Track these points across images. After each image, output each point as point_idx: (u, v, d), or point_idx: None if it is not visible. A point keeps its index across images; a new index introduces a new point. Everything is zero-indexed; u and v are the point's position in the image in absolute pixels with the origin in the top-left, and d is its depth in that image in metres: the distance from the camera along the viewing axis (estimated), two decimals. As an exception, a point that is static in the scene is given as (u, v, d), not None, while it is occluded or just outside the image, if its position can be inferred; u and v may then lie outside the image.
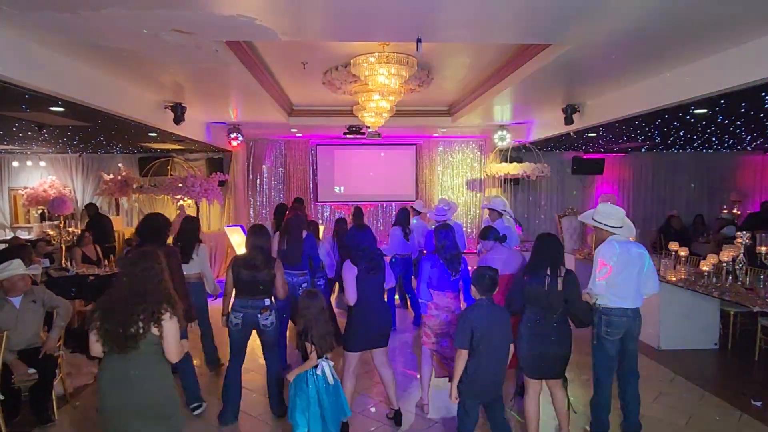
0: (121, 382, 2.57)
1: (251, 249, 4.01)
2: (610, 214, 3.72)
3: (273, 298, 4.09)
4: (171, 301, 2.68)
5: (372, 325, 3.76)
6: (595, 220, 3.77)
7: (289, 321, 5.37)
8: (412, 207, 7.29)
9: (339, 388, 3.21)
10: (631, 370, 3.78)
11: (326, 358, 3.17)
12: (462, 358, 3.15)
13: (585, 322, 3.56)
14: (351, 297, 3.69)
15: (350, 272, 3.69)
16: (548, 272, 3.43)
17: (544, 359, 3.45)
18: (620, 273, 3.60)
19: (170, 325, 2.63)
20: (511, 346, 3.30)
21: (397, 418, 4.01)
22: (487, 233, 4.54)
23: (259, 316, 3.94)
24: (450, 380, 3.38)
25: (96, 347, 2.60)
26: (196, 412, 4.14)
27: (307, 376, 3.12)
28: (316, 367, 3.13)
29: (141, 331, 2.54)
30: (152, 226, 4.06)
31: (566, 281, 3.41)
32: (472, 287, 3.29)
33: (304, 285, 5.12)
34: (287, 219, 5.59)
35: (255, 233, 4.07)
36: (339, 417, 3.19)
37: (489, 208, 5.63)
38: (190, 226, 4.99)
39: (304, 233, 5.30)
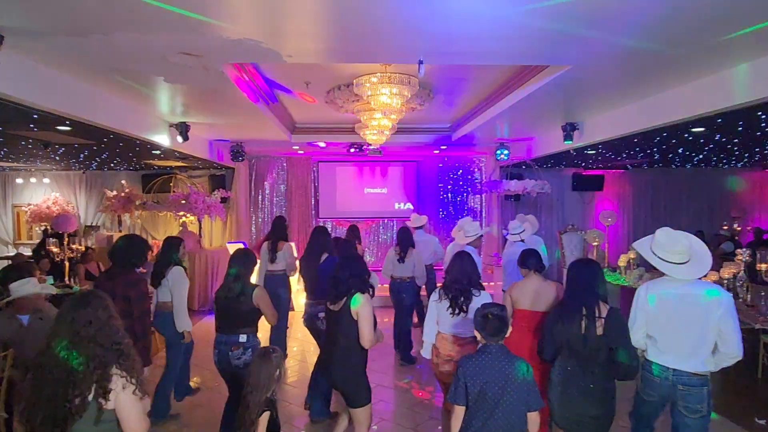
0: None
1: (226, 277, 3.63)
2: (664, 244, 2.88)
3: (251, 334, 3.61)
4: (124, 361, 2.02)
5: (323, 367, 3.35)
6: (653, 253, 2.94)
7: None
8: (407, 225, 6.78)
9: None
10: None
11: None
12: (456, 416, 2.61)
13: (627, 376, 2.81)
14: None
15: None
16: (584, 312, 2.80)
17: (578, 418, 2.84)
18: (662, 322, 2.88)
19: (126, 399, 1.98)
20: (534, 415, 2.55)
21: None
22: (527, 259, 3.77)
23: (230, 353, 3.46)
24: None
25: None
26: None
27: None
28: None
29: (71, 415, 1.91)
30: (123, 248, 3.83)
31: (608, 324, 2.76)
32: (475, 332, 2.67)
33: (321, 315, 4.35)
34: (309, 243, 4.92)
35: (233, 258, 3.69)
36: None
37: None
38: (167, 245, 4.54)
39: (324, 256, 4.67)
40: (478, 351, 2.64)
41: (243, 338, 3.52)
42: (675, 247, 2.85)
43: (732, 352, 2.80)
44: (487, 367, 2.53)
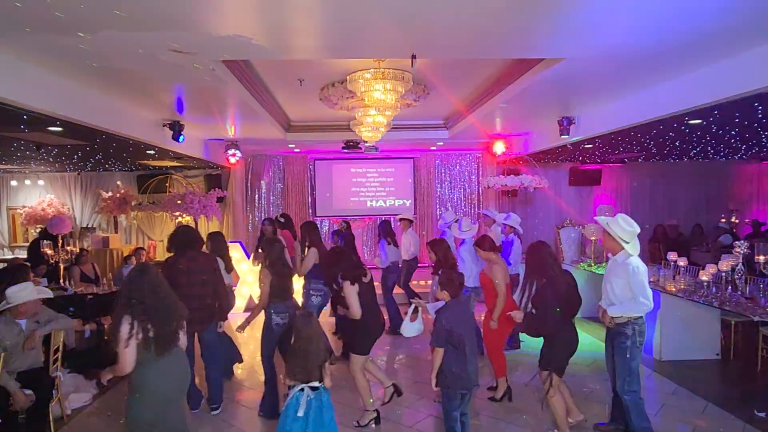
0: (172, 375, 2.88)
1: (278, 261, 4.44)
2: (625, 228, 3.65)
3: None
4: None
5: (375, 321, 4.19)
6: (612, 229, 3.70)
7: None
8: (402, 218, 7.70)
9: (325, 418, 3.11)
10: None
11: (302, 387, 3.09)
12: (439, 355, 3.47)
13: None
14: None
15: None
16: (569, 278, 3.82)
17: (574, 348, 3.82)
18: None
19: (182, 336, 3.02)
20: None
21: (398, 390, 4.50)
22: (484, 243, 4.72)
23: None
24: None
25: (131, 358, 2.71)
26: (214, 413, 4.43)
27: (291, 402, 3.10)
28: (302, 390, 3.09)
29: (179, 333, 2.95)
30: (188, 237, 4.51)
31: (573, 280, 3.85)
32: (444, 291, 3.57)
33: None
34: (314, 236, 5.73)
35: (271, 246, 4.53)
36: None
37: (486, 214, 6.19)
38: (222, 238, 5.49)
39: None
40: (449, 305, 3.54)
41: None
42: (633, 230, 3.65)
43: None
44: (460, 313, 3.54)
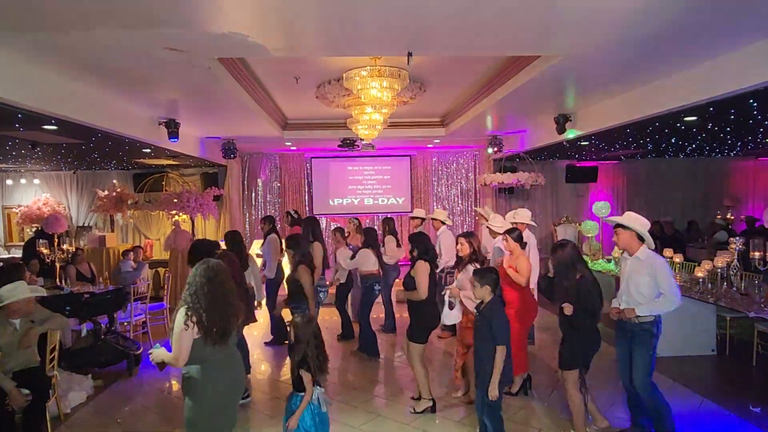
0: (229, 365, 2.87)
1: (308, 257, 5.02)
2: (643, 223, 3.66)
3: None
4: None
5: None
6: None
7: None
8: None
9: (327, 417, 3.21)
10: None
11: (319, 385, 3.19)
12: (503, 353, 3.33)
13: None
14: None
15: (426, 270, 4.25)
16: None
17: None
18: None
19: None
20: None
21: None
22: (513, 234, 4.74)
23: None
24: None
25: (186, 347, 2.70)
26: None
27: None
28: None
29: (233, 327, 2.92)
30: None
31: None
32: (486, 287, 3.45)
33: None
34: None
35: (300, 246, 5.04)
36: None
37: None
38: (240, 238, 5.77)
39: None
40: (497, 300, 3.52)
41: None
42: (647, 224, 3.69)
43: None
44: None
